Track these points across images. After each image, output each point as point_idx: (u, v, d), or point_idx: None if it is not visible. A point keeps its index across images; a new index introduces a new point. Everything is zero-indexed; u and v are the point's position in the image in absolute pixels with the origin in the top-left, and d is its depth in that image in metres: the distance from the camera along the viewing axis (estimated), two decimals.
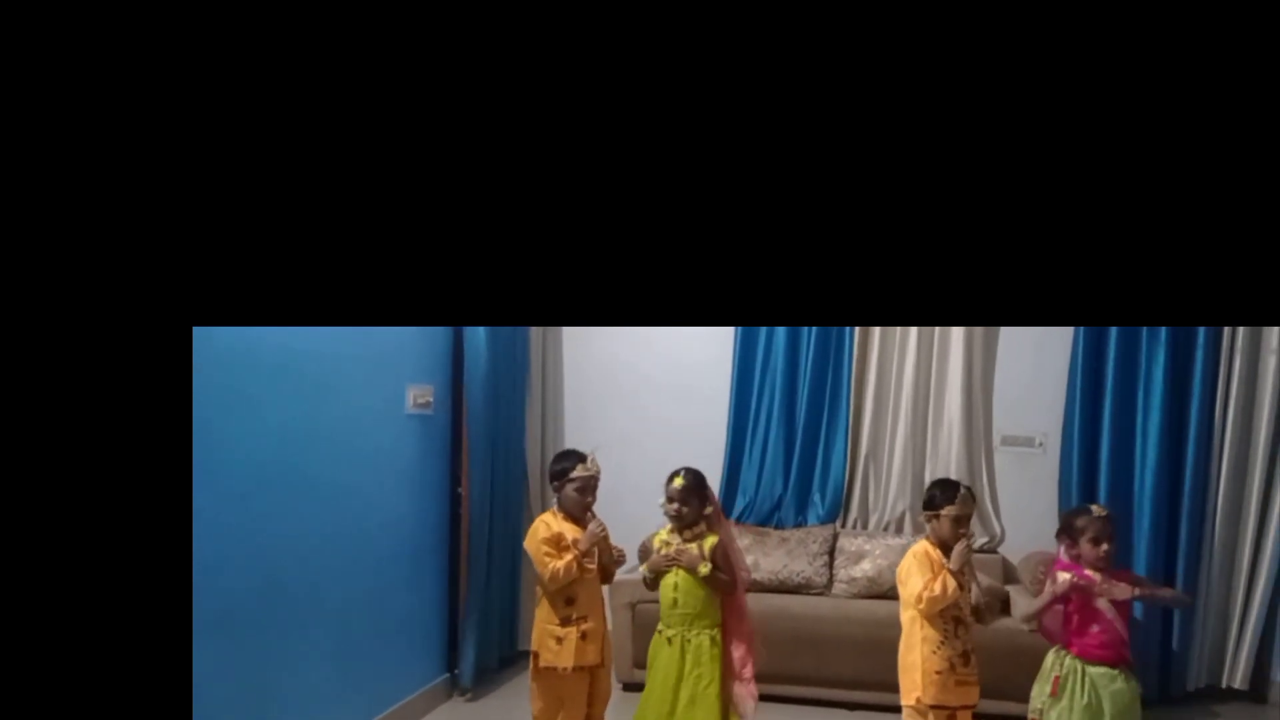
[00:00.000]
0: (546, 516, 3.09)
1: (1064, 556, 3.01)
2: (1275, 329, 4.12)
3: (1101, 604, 2.88)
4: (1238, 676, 4.20)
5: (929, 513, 2.99)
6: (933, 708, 2.88)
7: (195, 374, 2.33)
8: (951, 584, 2.82)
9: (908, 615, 2.95)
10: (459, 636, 4.14)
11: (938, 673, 2.86)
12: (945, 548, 2.93)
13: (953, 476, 4.50)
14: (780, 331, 4.70)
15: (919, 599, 2.86)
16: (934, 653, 2.87)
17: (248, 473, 2.79)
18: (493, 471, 4.23)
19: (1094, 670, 2.89)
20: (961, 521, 2.91)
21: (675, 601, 2.95)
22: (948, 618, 2.87)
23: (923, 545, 2.98)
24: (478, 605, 4.15)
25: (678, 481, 2.98)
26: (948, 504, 2.92)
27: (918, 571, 2.90)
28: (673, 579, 2.96)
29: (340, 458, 3.31)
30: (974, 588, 2.95)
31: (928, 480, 4.19)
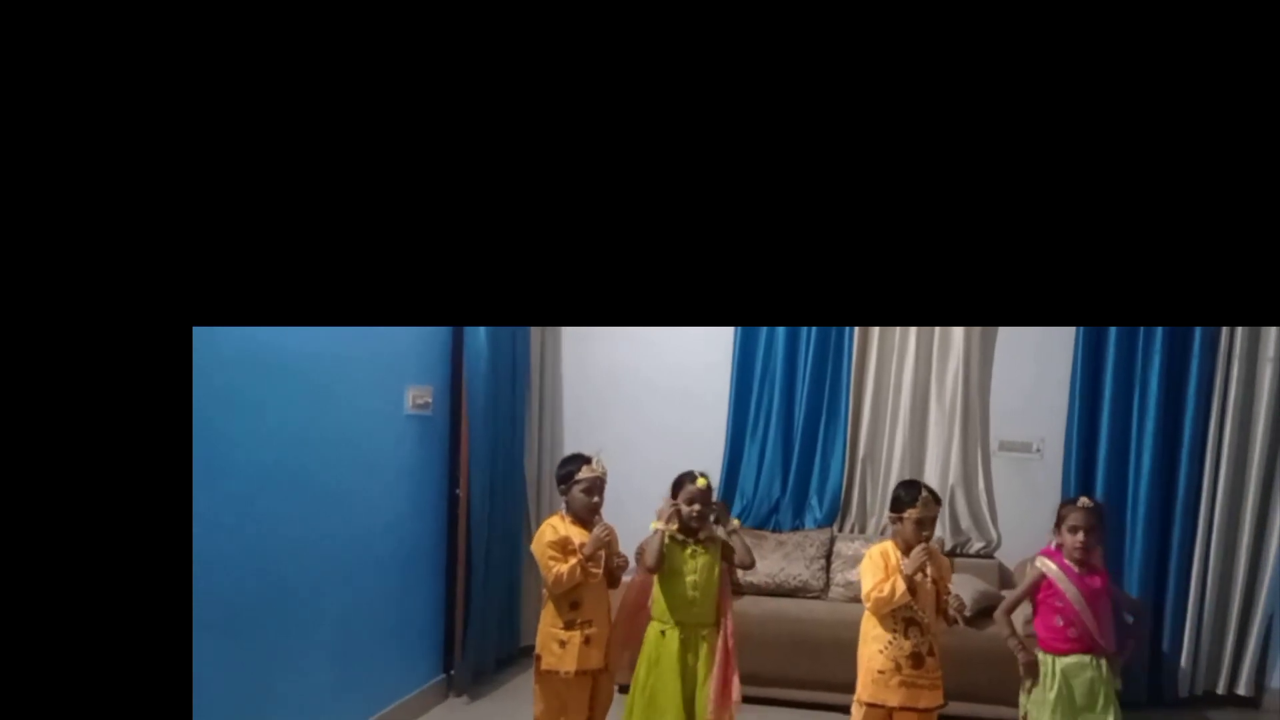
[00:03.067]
0: (554, 520, 3.07)
1: (1051, 544, 3.06)
2: (1273, 337, 4.13)
3: (1066, 590, 2.90)
4: (1241, 683, 4.21)
5: (893, 514, 2.98)
6: (869, 705, 2.89)
7: (197, 375, 2.34)
8: (901, 588, 2.81)
9: (865, 611, 2.98)
10: (459, 638, 4.14)
11: (880, 671, 2.87)
12: (909, 550, 2.92)
13: (950, 481, 4.53)
14: (780, 335, 4.71)
15: (867, 597, 2.89)
16: (880, 651, 2.88)
17: (248, 473, 2.80)
18: (492, 473, 4.23)
19: (1063, 661, 2.92)
20: (924, 524, 2.89)
21: None
22: (898, 618, 2.87)
23: (885, 545, 2.98)
24: (479, 607, 4.15)
25: (702, 482, 3.01)
26: (909, 506, 2.90)
27: (870, 570, 2.92)
28: None
29: (339, 458, 3.31)
30: (949, 593, 2.95)
31: None
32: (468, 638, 4.13)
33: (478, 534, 4.14)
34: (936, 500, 2.96)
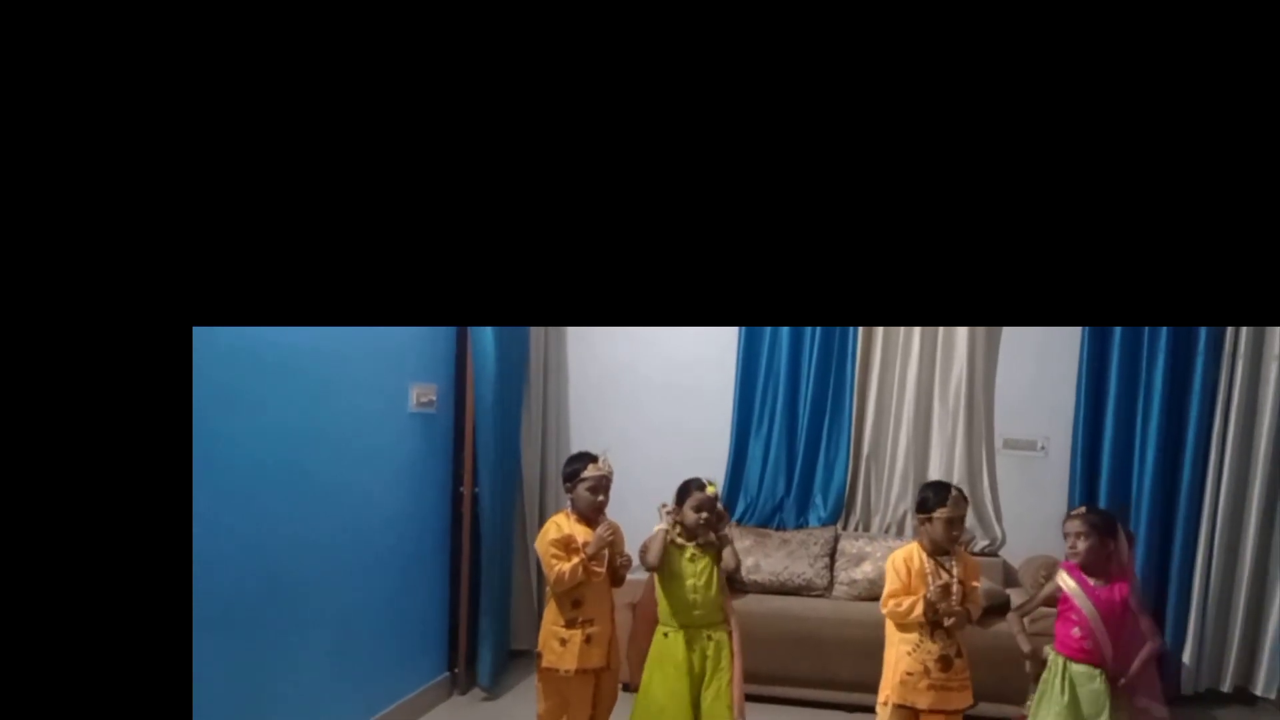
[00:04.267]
0: (559, 518, 3.07)
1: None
2: (1277, 337, 4.13)
3: (1082, 605, 2.91)
4: (1258, 683, 4.22)
5: (921, 515, 2.96)
6: (898, 706, 2.88)
7: (197, 373, 2.33)
8: (918, 612, 2.81)
9: None
10: (463, 637, 4.14)
11: (908, 673, 2.86)
12: (938, 550, 2.91)
13: (955, 479, 4.52)
14: (784, 333, 4.71)
15: (884, 603, 2.90)
16: (909, 654, 2.87)
17: (249, 472, 2.79)
18: (499, 471, 4.23)
19: (1074, 668, 2.93)
20: (955, 524, 2.89)
21: None
22: (923, 622, 2.86)
23: (909, 550, 2.96)
24: (492, 605, 4.15)
25: (711, 490, 3.02)
26: (940, 506, 2.89)
27: (891, 577, 2.92)
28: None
29: (342, 456, 3.31)
30: (976, 594, 2.94)
31: None
32: (472, 636, 4.13)
33: (488, 533, 4.14)
34: (965, 499, 2.96)
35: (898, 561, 2.93)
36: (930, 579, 2.86)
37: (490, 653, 4.16)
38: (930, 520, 2.91)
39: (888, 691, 2.92)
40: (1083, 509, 3.04)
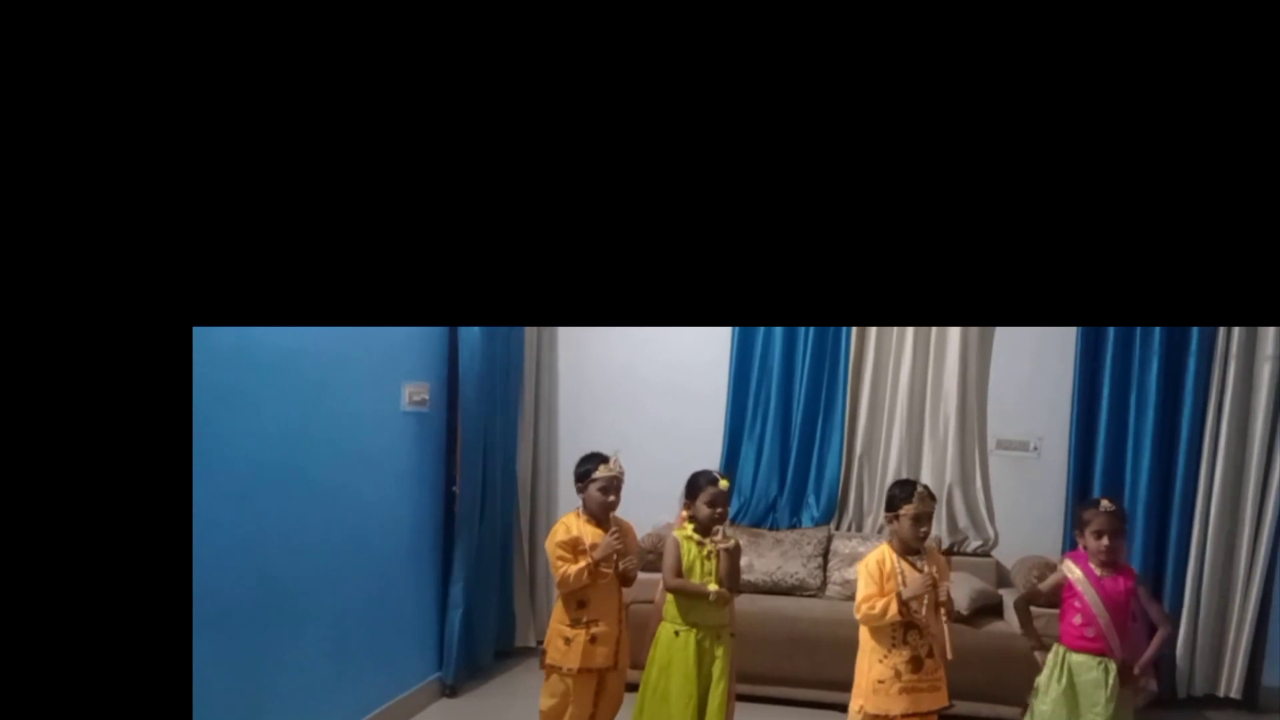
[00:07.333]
0: (569, 518, 3.09)
1: (1082, 547, 3.05)
2: (1270, 337, 4.15)
3: (1086, 593, 2.93)
4: (1233, 684, 4.22)
5: (889, 514, 2.95)
6: (871, 716, 2.85)
7: (194, 373, 2.33)
8: (893, 610, 2.78)
9: None
10: (455, 636, 4.13)
11: (880, 681, 2.83)
12: (907, 549, 2.90)
13: (947, 480, 4.55)
14: (777, 333, 4.72)
15: (857, 608, 2.88)
16: (880, 661, 2.85)
17: (244, 471, 2.78)
18: (485, 470, 4.21)
19: (1074, 658, 2.94)
20: (921, 520, 2.87)
21: None
22: (896, 624, 2.84)
23: (880, 552, 2.94)
24: (461, 603, 4.11)
25: (724, 484, 3.02)
26: (906, 502, 2.87)
27: (863, 582, 2.89)
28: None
29: (336, 456, 3.30)
30: (947, 594, 2.91)
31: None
32: (462, 635, 4.12)
33: (469, 530, 4.12)
34: (932, 496, 2.95)
35: (870, 564, 2.91)
36: (900, 580, 2.84)
37: (468, 651, 4.14)
38: (898, 518, 2.90)
39: (860, 700, 2.90)
40: (1110, 505, 2.97)
